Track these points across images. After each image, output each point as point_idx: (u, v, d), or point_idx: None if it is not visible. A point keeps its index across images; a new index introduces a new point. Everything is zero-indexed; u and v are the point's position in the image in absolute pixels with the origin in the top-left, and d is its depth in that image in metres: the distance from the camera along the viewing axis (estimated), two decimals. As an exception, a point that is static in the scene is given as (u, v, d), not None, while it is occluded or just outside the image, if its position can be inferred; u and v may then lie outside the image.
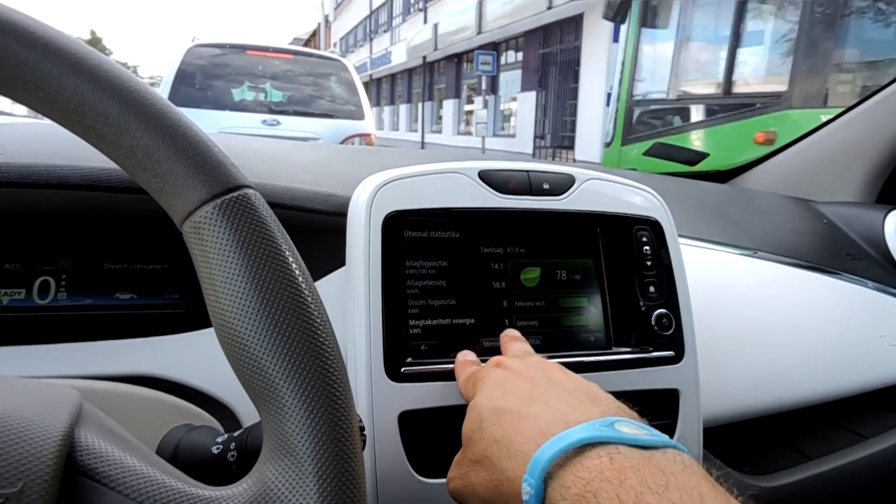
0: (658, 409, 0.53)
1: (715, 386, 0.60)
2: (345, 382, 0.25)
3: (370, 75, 24.79)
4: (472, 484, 0.36)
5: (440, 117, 18.26)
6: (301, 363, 0.24)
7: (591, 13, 9.69)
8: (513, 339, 0.46)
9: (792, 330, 0.71)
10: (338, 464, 0.23)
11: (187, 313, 0.50)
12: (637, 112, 3.17)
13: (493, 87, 14.12)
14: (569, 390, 0.36)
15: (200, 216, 0.25)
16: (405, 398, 0.45)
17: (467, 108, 16.44)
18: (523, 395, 0.36)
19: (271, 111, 3.99)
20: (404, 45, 19.59)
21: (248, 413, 0.46)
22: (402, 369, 0.45)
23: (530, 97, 12.40)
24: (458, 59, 16.48)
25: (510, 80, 13.83)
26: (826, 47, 2.36)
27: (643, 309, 0.53)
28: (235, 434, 0.34)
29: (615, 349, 0.53)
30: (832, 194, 1.03)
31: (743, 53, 2.69)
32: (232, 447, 0.33)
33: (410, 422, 0.45)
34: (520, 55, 13.31)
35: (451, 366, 0.46)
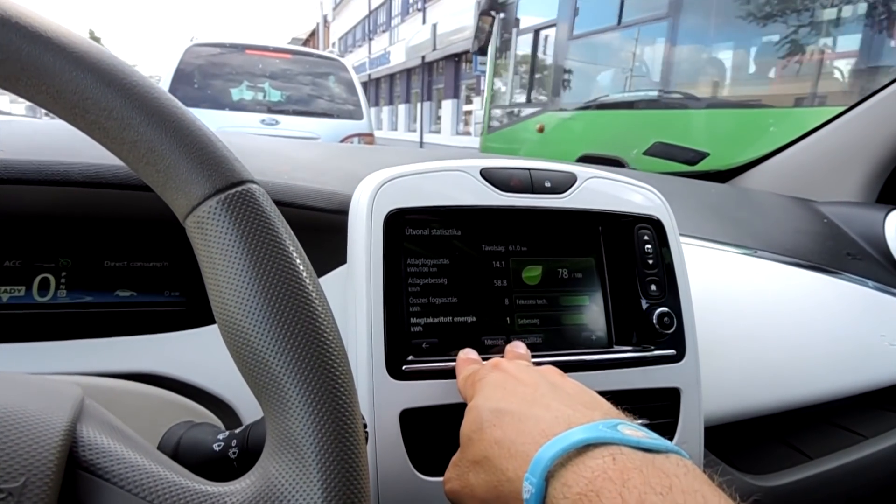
0: (659, 407, 0.53)
1: (716, 385, 0.60)
2: (348, 378, 0.25)
3: (369, 75, 24.79)
4: (470, 485, 0.35)
5: (439, 117, 18.25)
6: (305, 358, 0.24)
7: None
8: (516, 357, 0.46)
9: (792, 329, 0.71)
10: (341, 459, 0.23)
11: (187, 311, 0.50)
12: (494, 113, 4.96)
13: (493, 88, 14.09)
14: (570, 394, 0.36)
15: (204, 211, 0.25)
16: (406, 396, 0.45)
17: (466, 108, 16.44)
18: (524, 397, 0.36)
19: (270, 111, 3.99)
20: (403, 45, 19.59)
21: (248, 410, 0.46)
22: (404, 367, 0.45)
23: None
24: (456, 59, 16.47)
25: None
26: (560, 76, 4.14)
27: (644, 307, 0.53)
28: (237, 431, 0.34)
29: (616, 348, 0.53)
30: (832, 194, 1.03)
31: (536, 78, 4.49)
32: (233, 444, 0.33)
33: (412, 420, 0.45)
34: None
35: (453, 364, 0.46)
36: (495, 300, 0.50)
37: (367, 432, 0.27)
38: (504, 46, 4.60)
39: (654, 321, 0.52)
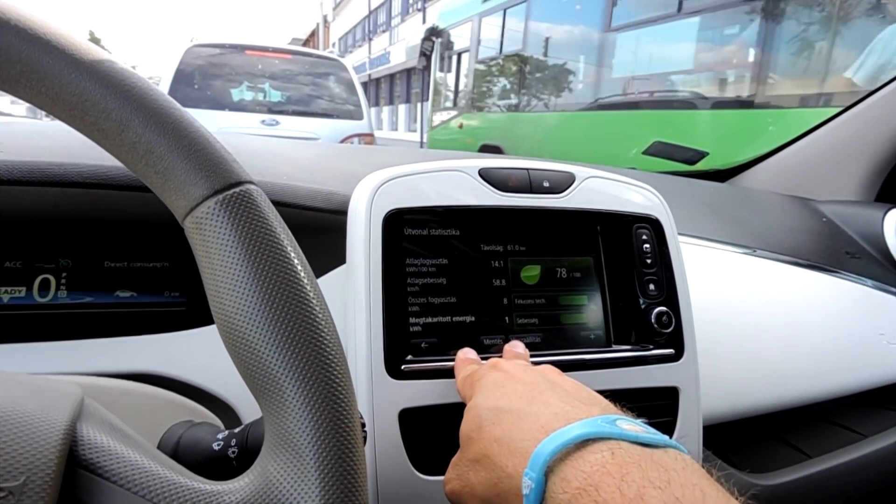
0: (658, 406, 0.53)
1: (714, 384, 0.60)
2: (346, 377, 0.25)
3: (369, 75, 24.77)
4: (470, 484, 0.36)
5: (439, 117, 18.19)
6: (303, 358, 0.24)
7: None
8: (514, 357, 0.46)
9: (791, 328, 0.71)
10: (339, 459, 0.23)
11: (187, 311, 0.50)
12: (434, 115, 6.38)
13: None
14: (568, 391, 0.36)
15: (202, 212, 0.25)
16: (405, 395, 0.45)
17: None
18: (523, 395, 0.36)
19: (270, 111, 3.99)
20: (403, 45, 19.57)
21: (247, 410, 0.46)
22: (403, 367, 0.45)
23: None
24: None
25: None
26: (470, 88, 5.55)
27: (643, 307, 0.53)
28: (236, 431, 0.34)
29: (615, 347, 0.53)
30: (831, 193, 1.03)
31: (458, 89, 5.82)
32: (233, 444, 0.33)
33: (411, 419, 0.45)
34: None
35: (452, 363, 0.46)
36: (494, 300, 0.50)
37: (365, 432, 0.27)
38: (439, 65, 6.12)
39: (653, 320, 0.52)
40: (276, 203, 0.50)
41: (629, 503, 0.25)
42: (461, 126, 5.59)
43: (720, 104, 2.84)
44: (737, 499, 0.27)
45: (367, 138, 4.14)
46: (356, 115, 4.21)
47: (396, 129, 22.44)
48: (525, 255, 0.52)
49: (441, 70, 6.05)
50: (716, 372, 0.61)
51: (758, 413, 0.66)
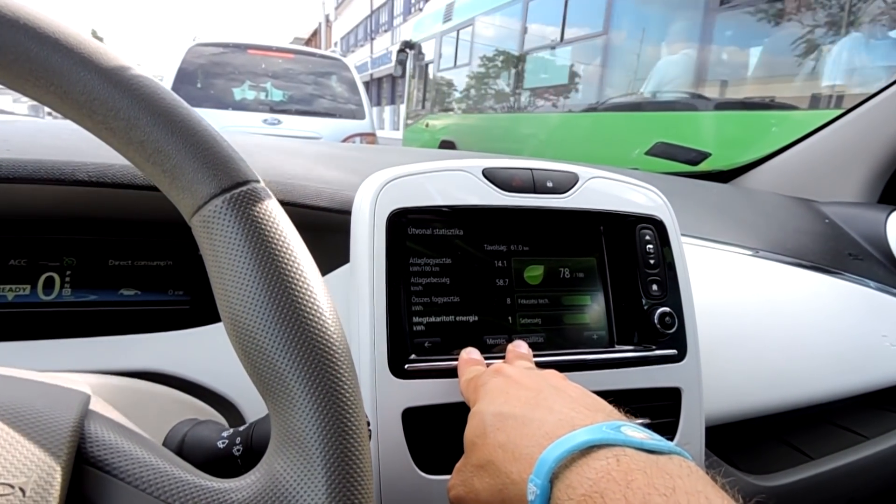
0: (660, 407, 0.53)
1: (717, 385, 0.60)
2: (352, 375, 0.25)
3: (371, 75, 24.77)
4: (475, 490, 0.35)
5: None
6: (310, 356, 0.24)
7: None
8: (517, 358, 0.46)
9: (793, 329, 0.71)
10: (346, 456, 0.23)
11: (191, 309, 0.50)
12: (409, 115, 7.25)
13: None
14: (573, 397, 0.36)
15: (209, 210, 0.25)
16: (409, 395, 0.45)
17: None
18: (527, 401, 0.36)
19: (272, 110, 3.99)
20: (405, 44, 19.53)
21: (251, 408, 0.46)
22: (406, 366, 0.45)
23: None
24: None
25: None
26: (433, 93, 6.55)
27: (646, 307, 0.53)
28: (241, 429, 0.34)
29: (618, 347, 0.53)
30: (834, 194, 1.03)
31: (426, 94, 6.72)
32: (237, 442, 0.33)
33: (414, 418, 0.45)
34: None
35: (455, 363, 0.46)
36: (497, 299, 0.50)
37: (370, 430, 0.28)
38: (413, 73, 7.03)
39: (656, 321, 0.52)
40: (281, 202, 0.50)
41: None
42: (427, 125, 6.57)
43: (594, 108, 3.76)
44: None
45: (369, 138, 4.14)
46: (358, 114, 4.21)
47: (398, 129, 22.44)
48: (528, 255, 0.52)
49: (413, 77, 7.07)
50: (718, 373, 0.61)
51: (760, 414, 0.66)
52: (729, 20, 2.93)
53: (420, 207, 0.48)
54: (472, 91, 5.68)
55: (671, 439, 0.53)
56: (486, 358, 0.46)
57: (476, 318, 0.49)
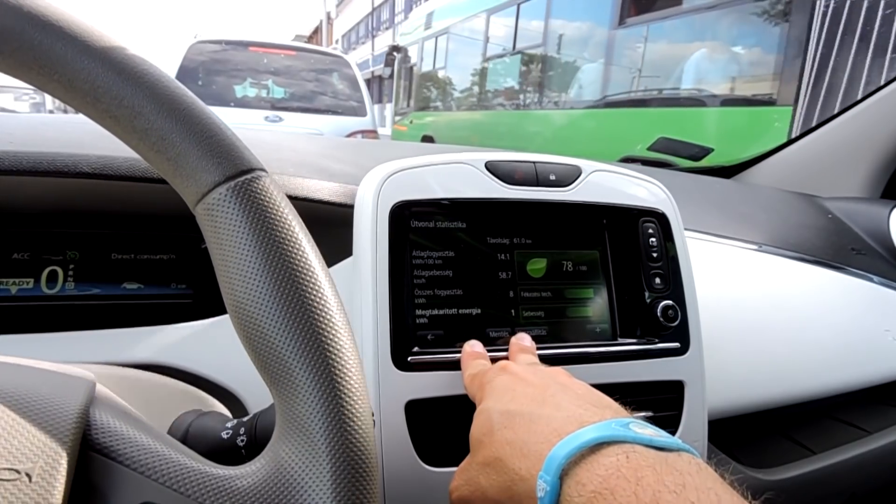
0: (663, 400, 0.53)
1: (719, 378, 0.60)
2: (357, 363, 0.26)
3: (372, 72, 24.71)
4: (481, 488, 0.35)
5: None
6: (315, 344, 0.24)
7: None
8: (521, 351, 0.46)
9: (796, 324, 0.71)
10: (351, 443, 0.23)
11: (194, 303, 0.50)
12: (396, 115, 7.96)
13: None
14: (579, 394, 0.36)
15: (213, 198, 0.25)
16: (412, 387, 0.45)
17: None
18: (534, 398, 0.36)
19: (274, 107, 3.99)
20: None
21: (254, 401, 0.46)
22: (409, 358, 0.45)
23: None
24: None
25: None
26: (418, 94, 7.27)
27: (649, 300, 0.53)
28: (244, 420, 0.34)
29: (621, 340, 0.53)
30: (837, 189, 1.03)
31: (410, 94, 7.33)
32: (241, 432, 0.33)
33: (417, 411, 0.45)
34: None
35: (458, 355, 0.46)
36: (500, 292, 0.50)
37: (374, 419, 0.28)
38: (399, 74, 7.79)
39: (659, 314, 0.52)
40: (284, 195, 0.51)
41: None
42: (411, 122, 7.38)
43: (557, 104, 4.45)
44: (750, 502, 0.27)
45: (371, 135, 4.14)
46: (359, 111, 4.21)
47: (399, 127, 22.35)
48: (531, 248, 0.52)
49: (400, 78, 7.83)
50: (721, 366, 0.61)
51: (762, 408, 0.66)
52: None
53: (423, 200, 0.48)
54: (447, 91, 6.57)
55: (673, 432, 0.53)
56: (489, 351, 0.46)
57: (479, 311, 0.49)
